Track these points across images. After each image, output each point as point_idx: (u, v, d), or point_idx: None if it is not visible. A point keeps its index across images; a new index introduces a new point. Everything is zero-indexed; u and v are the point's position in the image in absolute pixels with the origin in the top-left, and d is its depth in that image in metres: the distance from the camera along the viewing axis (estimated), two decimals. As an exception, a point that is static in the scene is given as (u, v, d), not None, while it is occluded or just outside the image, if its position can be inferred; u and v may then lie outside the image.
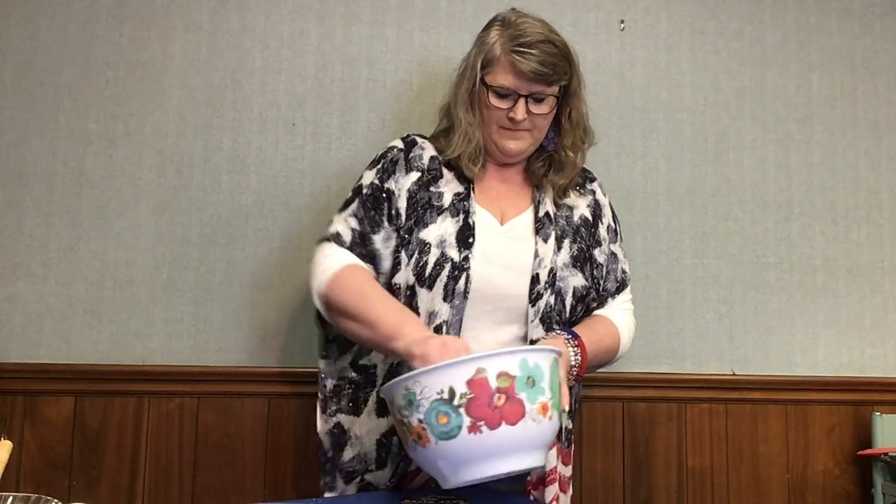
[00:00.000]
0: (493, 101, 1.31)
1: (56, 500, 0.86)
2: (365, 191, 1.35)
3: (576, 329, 1.32)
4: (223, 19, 1.80)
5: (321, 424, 1.37)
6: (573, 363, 1.25)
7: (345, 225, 1.32)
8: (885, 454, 1.84)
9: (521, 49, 1.28)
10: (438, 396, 0.98)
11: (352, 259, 1.29)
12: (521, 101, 1.30)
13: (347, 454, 1.34)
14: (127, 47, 1.76)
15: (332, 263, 1.28)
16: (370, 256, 1.31)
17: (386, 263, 1.32)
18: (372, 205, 1.33)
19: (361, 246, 1.31)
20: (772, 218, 1.98)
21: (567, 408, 1.11)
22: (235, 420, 1.72)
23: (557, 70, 1.30)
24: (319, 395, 1.38)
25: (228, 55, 1.79)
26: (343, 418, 1.35)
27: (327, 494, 1.35)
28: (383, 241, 1.32)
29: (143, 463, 1.68)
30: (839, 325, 1.99)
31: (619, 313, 1.44)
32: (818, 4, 2.05)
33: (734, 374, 1.93)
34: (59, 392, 1.66)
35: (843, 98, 2.04)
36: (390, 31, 1.85)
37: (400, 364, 1.29)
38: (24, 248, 1.70)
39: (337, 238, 1.31)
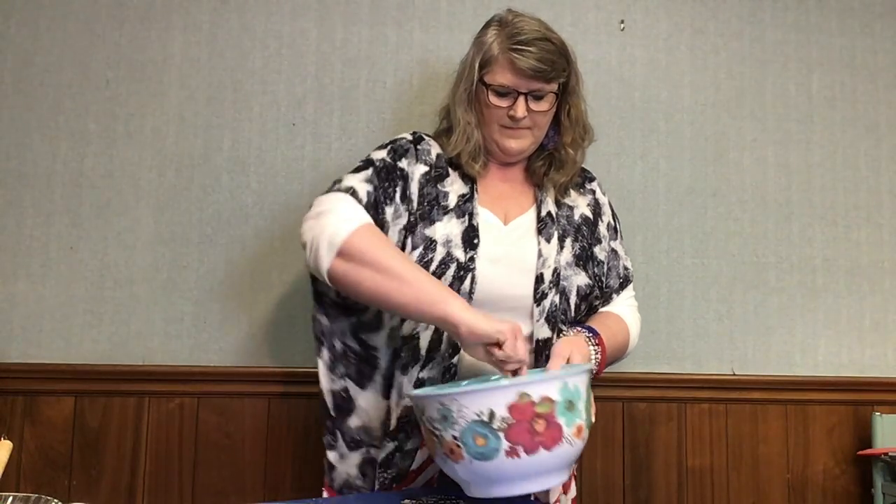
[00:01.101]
0: (493, 99, 1.32)
1: (56, 500, 0.86)
2: (377, 163, 1.32)
3: (591, 325, 1.33)
4: (223, 19, 1.80)
5: (326, 382, 1.33)
6: (594, 360, 1.26)
7: (361, 186, 1.28)
8: (885, 454, 1.84)
9: (519, 47, 1.29)
10: (477, 417, 0.97)
11: (370, 218, 1.25)
12: (521, 99, 1.31)
13: (354, 421, 1.33)
14: (127, 47, 1.76)
15: (355, 215, 1.22)
16: (379, 224, 1.28)
17: (392, 239, 1.29)
18: (386, 176, 1.30)
19: (374, 210, 1.27)
20: (772, 218, 1.98)
21: (594, 419, 1.10)
22: (235, 420, 1.72)
23: (556, 67, 1.31)
24: (325, 353, 1.34)
25: (228, 55, 1.79)
26: (349, 384, 1.33)
27: (330, 453, 1.34)
28: (393, 215, 1.30)
29: (143, 463, 1.68)
30: (839, 325, 1.99)
31: (625, 309, 1.45)
32: (818, 4, 2.05)
33: (734, 374, 1.93)
34: (59, 392, 1.66)
35: (843, 98, 2.04)
36: (390, 31, 1.85)
37: (394, 354, 1.30)
38: (24, 248, 1.70)
39: (353, 193, 1.26)
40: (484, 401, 0.98)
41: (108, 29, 1.76)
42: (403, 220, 1.30)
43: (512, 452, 0.98)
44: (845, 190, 2.03)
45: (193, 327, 1.73)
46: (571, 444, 1.01)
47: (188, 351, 1.72)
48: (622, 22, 1.96)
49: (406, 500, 1.18)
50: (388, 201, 1.29)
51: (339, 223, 1.20)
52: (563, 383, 1.01)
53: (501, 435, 0.97)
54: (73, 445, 1.66)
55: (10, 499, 0.87)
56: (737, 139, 1.99)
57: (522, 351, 1.11)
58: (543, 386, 0.99)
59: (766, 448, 1.91)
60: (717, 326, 1.93)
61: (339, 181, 1.30)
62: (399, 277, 1.16)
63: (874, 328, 2.00)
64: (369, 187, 1.28)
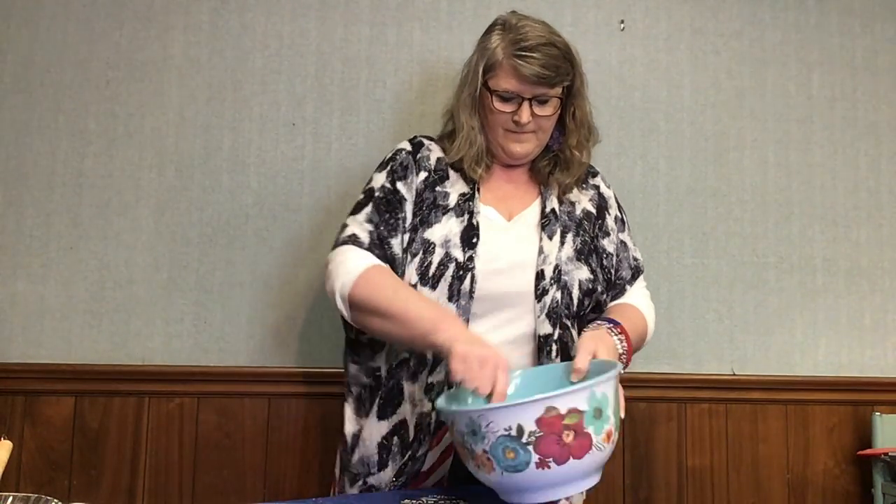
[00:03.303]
0: (498, 104, 1.31)
1: (56, 500, 0.86)
2: (377, 194, 1.34)
3: (610, 317, 1.32)
4: (223, 19, 1.80)
5: (349, 426, 1.36)
6: (621, 351, 1.25)
7: (361, 228, 1.31)
8: (885, 454, 1.84)
9: (523, 53, 1.28)
10: (506, 433, 0.98)
11: (375, 260, 1.28)
12: (526, 104, 1.30)
13: (355, 456, 1.34)
14: (127, 47, 1.76)
15: (356, 265, 1.26)
16: (389, 260, 1.29)
17: (402, 267, 1.31)
18: (386, 208, 1.32)
19: (380, 248, 1.29)
20: (772, 218, 1.98)
21: (623, 414, 1.10)
22: (235, 420, 1.72)
23: (560, 72, 1.31)
24: (350, 397, 1.37)
25: (228, 55, 1.79)
26: (363, 422, 1.35)
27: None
28: (401, 246, 1.31)
29: (143, 463, 1.68)
30: (839, 325, 1.99)
31: (639, 299, 1.46)
32: (818, 4, 2.05)
33: (734, 374, 1.93)
34: (59, 392, 1.66)
35: (843, 98, 2.04)
36: (390, 31, 1.85)
37: (399, 365, 1.30)
38: (24, 248, 1.70)
39: (355, 240, 1.30)
40: (512, 416, 0.98)
41: (108, 29, 1.76)
42: (407, 237, 1.31)
43: (542, 464, 0.98)
44: (845, 190, 2.02)
45: (193, 327, 1.73)
46: (601, 449, 1.02)
47: (188, 351, 1.72)
48: (622, 22, 1.96)
49: (406, 501, 1.18)
50: (394, 233, 1.31)
51: (343, 278, 1.25)
52: (591, 392, 1.00)
53: (531, 448, 0.97)
54: (73, 445, 1.66)
55: (10, 499, 0.86)
56: (737, 139, 1.99)
57: (490, 383, 1.08)
58: (570, 398, 0.99)
59: (766, 448, 1.91)
60: (717, 326, 1.93)
61: (344, 227, 1.33)
62: (396, 320, 1.20)
63: (874, 328, 2.00)
64: (370, 227, 1.31)
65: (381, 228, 1.31)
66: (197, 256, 1.74)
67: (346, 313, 1.27)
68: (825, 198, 2.01)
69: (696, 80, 1.98)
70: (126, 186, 1.74)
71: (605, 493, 1.83)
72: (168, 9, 1.78)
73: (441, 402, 1.12)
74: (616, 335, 1.26)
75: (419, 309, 1.20)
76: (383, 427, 1.31)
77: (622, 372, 1.25)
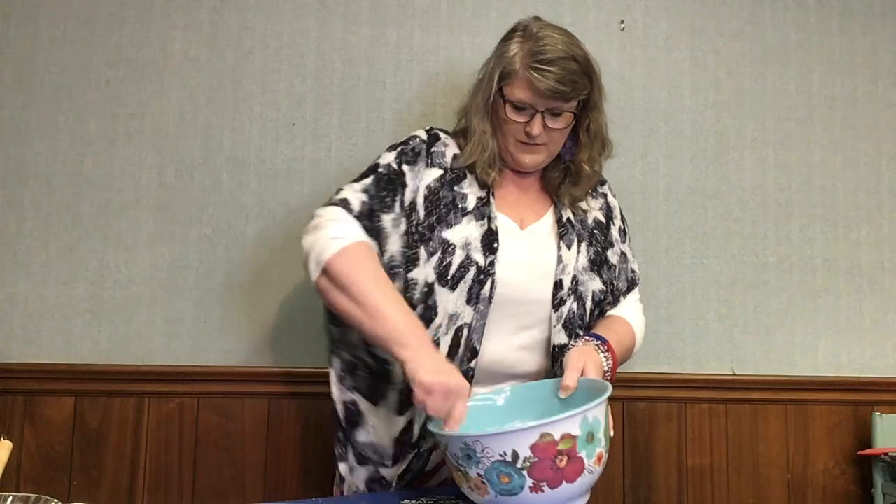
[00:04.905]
0: (511, 114, 1.30)
1: (56, 500, 0.86)
2: (381, 170, 1.32)
3: (598, 332, 1.32)
4: (223, 19, 1.80)
5: (337, 392, 1.33)
6: (606, 368, 1.25)
7: (355, 196, 1.29)
8: (885, 454, 1.84)
9: (540, 66, 1.26)
10: (501, 458, 0.99)
11: (361, 235, 1.25)
12: (538, 117, 1.29)
13: (362, 436, 1.32)
14: (127, 47, 1.76)
15: (341, 233, 1.23)
16: (375, 232, 1.27)
17: (393, 246, 1.28)
18: (386, 185, 1.30)
19: (368, 219, 1.27)
20: (772, 218, 1.98)
21: (612, 433, 1.11)
22: (235, 420, 1.72)
23: (576, 87, 1.29)
24: (336, 362, 1.34)
25: (228, 55, 1.79)
26: (359, 398, 1.32)
27: (340, 464, 1.34)
28: (392, 222, 1.29)
29: (143, 463, 1.68)
30: (839, 325, 1.99)
31: (631, 312, 1.46)
32: (818, 4, 2.05)
33: (734, 374, 1.93)
34: (59, 392, 1.66)
35: (843, 98, 2.04)
36: (390, 31, 1.85)
37: None
38: (24, 248, 1.70)
39: (345, 204, 1.27)
40: (507, 442, 0.99)
41: (108, 29, 1.76)
42: (404, 227, 1.29)
43: (535, 488, 1.00)
44: (845, 190, 2.03)
45: (193, 327, 1.73)
46: (592, 472, 1.04)
47: (188, 351, 1.72)
48: (622, 22, 1.96)
49: (406, 501, 1.18)
50: (386, 209, 1.29)
51: (326, 241, 1.22)
52: (584, 418, 1.02)
53: (525, 473, 0.99)
54: (73, 445, 1.66)
55: (10, 499, 0.87)
56: (737, 139, 1.99)
57: (448, 411, 1.10)
58: (564, 424, 1.00)
59: (766, 448, 1.91)
60: (717, 326, 1.93)
61: (339, 190, 1.31)
62: (367, 310, 1.18)
63: (874, 328, 2.00)
64: (364, 197, 1.29)
65: (376, 202, 1.29)
66: (197, 256, 1.74)
67: (314, 275, 1.22)
68: (825, 198, 2.01)
69: (696, 80, 1.98)
70: (126, 186, 1.74)
71: (605, 493, 1.83)
72: (168, 9, 1.78)
73: (434, 423, 1.12)
74: (603, 353, 1.26)
75: (393, 312, 1.18)
76: (400, 422, 1.30)
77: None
